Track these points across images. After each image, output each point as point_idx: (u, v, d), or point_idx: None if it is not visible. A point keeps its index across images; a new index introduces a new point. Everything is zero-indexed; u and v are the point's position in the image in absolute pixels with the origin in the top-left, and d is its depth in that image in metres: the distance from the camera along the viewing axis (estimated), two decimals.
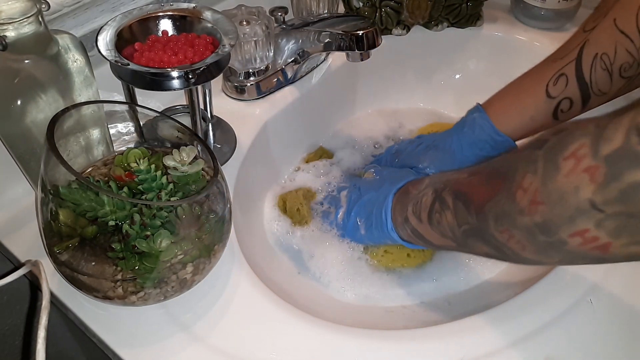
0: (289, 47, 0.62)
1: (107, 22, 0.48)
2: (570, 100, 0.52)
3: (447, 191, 0.42)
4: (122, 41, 0.47)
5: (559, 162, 0.31)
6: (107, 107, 0.46)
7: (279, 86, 0.64)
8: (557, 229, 0.32)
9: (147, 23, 0.49)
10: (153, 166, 0.41)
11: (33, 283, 0.46)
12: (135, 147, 0.43)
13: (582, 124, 0.32)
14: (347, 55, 0.59)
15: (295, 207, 0.63)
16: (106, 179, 0.43)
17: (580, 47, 0.51)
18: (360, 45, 0.56)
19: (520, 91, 0.56)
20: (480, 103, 0.60)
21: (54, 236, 0.40)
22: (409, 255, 0.59)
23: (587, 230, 0.30)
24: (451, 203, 0.41)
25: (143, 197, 0.40)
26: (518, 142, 0.58)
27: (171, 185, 0.41)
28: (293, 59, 0.63)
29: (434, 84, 0.78)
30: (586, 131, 0.31)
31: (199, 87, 0.51)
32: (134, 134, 0.48)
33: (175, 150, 0.41)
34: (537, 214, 0.33)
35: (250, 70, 0.61)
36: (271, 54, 0.60)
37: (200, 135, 0.52)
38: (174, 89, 0.46)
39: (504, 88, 0.59)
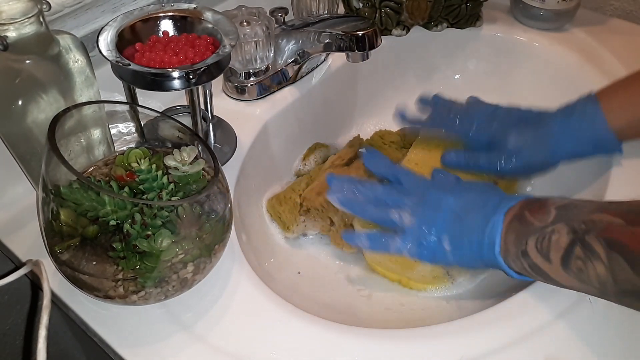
0: (289, 47, 0.62)
1: (108, 22, 0.48)
2: None
3: (593, 236, 0.36)
4: (123, 41, 0.47)
5: None
6: (108, 107, 0.46)
7: (279, 86, 0.64)
8: None
9: (148, 23, 0.50)
10: (154, 166, 0.41)
11: (34, 282, 0.46)
12: (136, 147, 0.43)
13: None
14: (347, 55, 0.59)
15: (277, 216, 0.61)
16: (107, 178, 0.43)
17: None
18: (360, 45, 0.56)
19: None
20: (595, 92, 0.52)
21: (55, 236, 0.40)
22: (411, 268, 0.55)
23: None
24: (603, 254, 0.35)
25: (144, 196, 0.40)
26: None
27: (172, 185, 0.41)
28: (293, 59, 0.63)
29: (433, 84, 0.78)
30: None
31: (200, 87, 0.51)
32: (135, 134, 0.48)
33: (176, 150, 0.41)
34: None
35: (251, 71, 0.61)
36: (271, 55, 0.60)
37: (200, 135, 0.52)
38: (175, 89, 0.46)
39: (625, 78, 0.51)
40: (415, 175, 0.51)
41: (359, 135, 0.71)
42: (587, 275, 0.37)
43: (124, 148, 0.48)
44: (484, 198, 0.45)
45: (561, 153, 0.52)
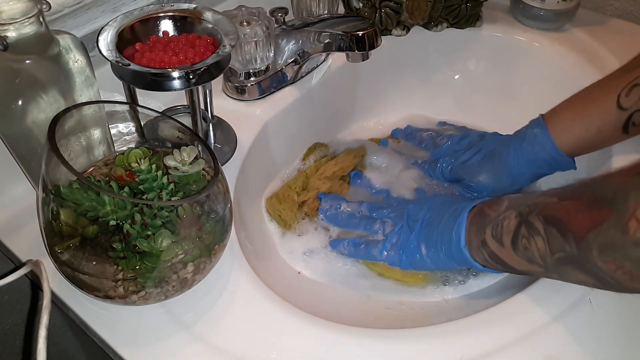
0: (289, 47, 0.62)
1: (108, 22, 0.48)
2: None
3: (534, 215, 0.40)
4: (123, 42, 0.47)
5: None
6: (108, 107, 0.46)
7: (279, 86, 0.64)
8: None
9: (148, 24, 0.50)
10: (154, 166, 0.41)
11: (34, 282, 0.46)
12: (136, 147, 0.43)
13: None
14: (347, 55, 0.59)
15: (277, 214, 0.62)
16: (107, 178, 0.43)
17: None
18: (360, 45, 0.56)
19: (587, 102, 0.53)
20: (543, 114, 0.57)
21: (55, 236, 0.40)
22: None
23: None
24: (542, 229, 0.39)
25: (144, 196, 0.40)
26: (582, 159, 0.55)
27: (172, 185, 0.41)
28: (293, 59, 0.63)
29: (433, 85, 0.78)
30: None
31: (200, 87, 0.51)
32: (135, 134, 0.48)
33: (176, 150, 0.41)
34: None
35: (251, 71, 0.61)
36: (271, 55, 0.60)
37: (200, 135, 0.52)
38: (175, 89, 0.46)
39: (569, 98, 0.56)
40: (397, 197, 0.61)
41: (364, 147, 0.70)
42: (532, 252, 0.40)
43: (124, 148, 0.48)
44: (453, 204, 0.50)
45: (522, 179, 0.58)
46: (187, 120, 0.50)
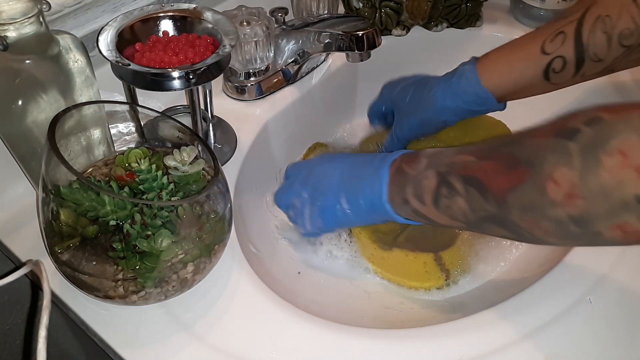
0: (289, 47, 0.62)
1: (108, 22, 0.48)
2: (564, 59, 0.51)
3: (453, 175, 0.41)
4: (123, 41, 0.47)
5: (600, 157, 0.32)
6: (108, 107, 0.46)
7: (279, 86, 0.64)
8: (595, 222, 0.33)
9: (148, 23, 0.50)
10: (154, 166, 0.41)
11: (34, 282, 0.46)
12: (136, 147, 0.43)
13: (617, 111, 0.32)
14: (347, 55, 0.59)
15: None
16: (107, 178, 0.43)
17: (585, 9, 0.50)
18: (360, 45, 0.56)
19: (515, 45, 0.55)
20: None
21: (55, 236, 0.40)
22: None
23: (629, 224, 0.31)
24: (462, 189, 0.40)
25: (144, 196, 0.40)
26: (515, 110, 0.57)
27: (172, 185, 0.41)
28: (293, 59, 0.63)
29: None
30: (630, 125, 0.31)
31: (200, 87, 0.51)
32: (135, 134, 0.48)
33: (176, 150, 0.41)
34: (573, 207, 0.33)
35: (251, 71, 0.61)
36: (271, 55, 0.60)
37: (200, 135, 0.52)
38: (175, 89, 0.46)
39: (504, 44, 0.58)
40: (297, 163, 0.57)
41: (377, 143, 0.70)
42: (454, 210, 0.41)
43: (124, 148, 0.48)
44: (371, 157, 0.50)
45: (447, 113, 0.59)
46: (187, 120, 0.51)
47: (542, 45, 0.52)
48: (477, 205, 0.39)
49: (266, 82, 0.62)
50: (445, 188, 0.41)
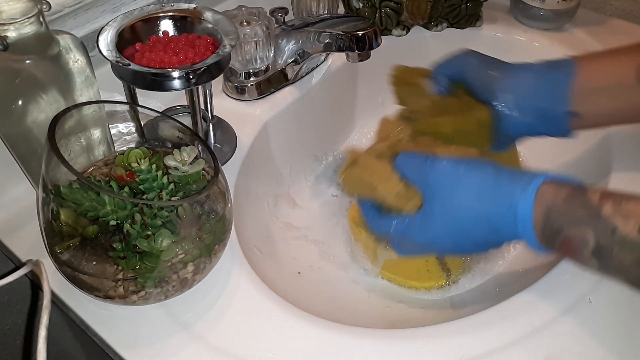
0: (289, 47, 0.62)
1: (108, 22, 0.48)
2: None
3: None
4: (123, 41, 0.47)
5: None
6: (108, 107, 0.46)
7: (279, 86, 0.64)
8: None
9: (148, 23, 0.50)
10: (154, 166, 0.41)
11: (34, 282, 0.46)
12: (136, 147, 0.43)
13: None
14: (347, 55, 0.59)
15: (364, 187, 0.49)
16: (107, 178, 0.43)
17: None
18: (360, 45, 0.56)
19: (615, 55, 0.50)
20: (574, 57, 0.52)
21: (55, 236, 0.40)
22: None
23: None
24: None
25: (144, 196, 0.40)
26: None
27: (172, 185, 0.41)
28: (293, 59, 0.63)
29: None
30: None
31: (200, 87, 0.51)
32: (135, 134, 0.48)
33: (176, 150, 0.41)
34: None
35: (251, 71, 0.61)
36: (271, 55, 0.60)
37: (200, 135, 0.52)
38: (175, 89, 0.46)
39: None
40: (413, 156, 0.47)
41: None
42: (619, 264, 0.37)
43: (124, 148, 0.48)
44: (509, 179, 0.42)
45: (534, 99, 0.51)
46: (187, 120, 0.51)
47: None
48: None
49: (266, 82, 0.62)
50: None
